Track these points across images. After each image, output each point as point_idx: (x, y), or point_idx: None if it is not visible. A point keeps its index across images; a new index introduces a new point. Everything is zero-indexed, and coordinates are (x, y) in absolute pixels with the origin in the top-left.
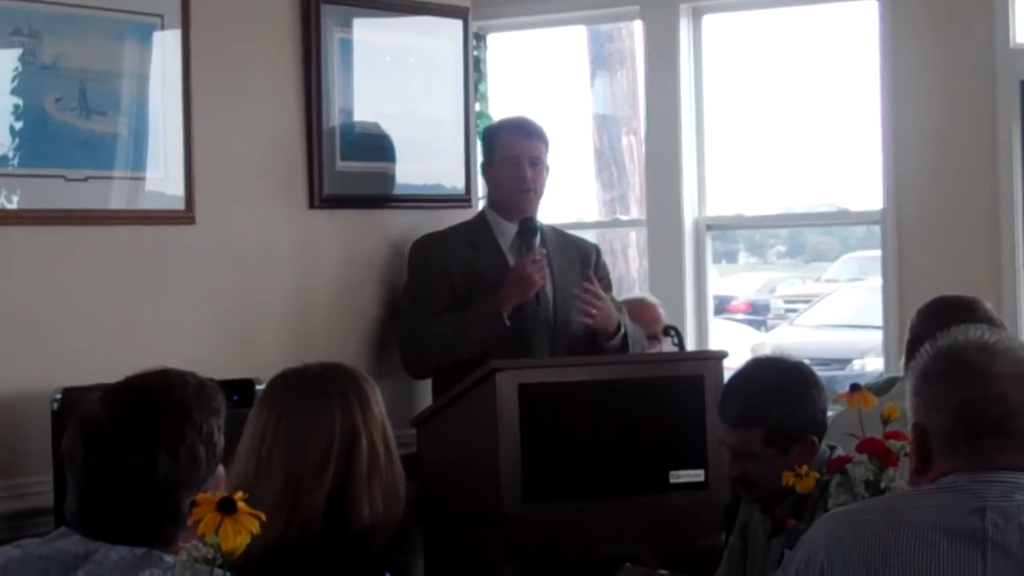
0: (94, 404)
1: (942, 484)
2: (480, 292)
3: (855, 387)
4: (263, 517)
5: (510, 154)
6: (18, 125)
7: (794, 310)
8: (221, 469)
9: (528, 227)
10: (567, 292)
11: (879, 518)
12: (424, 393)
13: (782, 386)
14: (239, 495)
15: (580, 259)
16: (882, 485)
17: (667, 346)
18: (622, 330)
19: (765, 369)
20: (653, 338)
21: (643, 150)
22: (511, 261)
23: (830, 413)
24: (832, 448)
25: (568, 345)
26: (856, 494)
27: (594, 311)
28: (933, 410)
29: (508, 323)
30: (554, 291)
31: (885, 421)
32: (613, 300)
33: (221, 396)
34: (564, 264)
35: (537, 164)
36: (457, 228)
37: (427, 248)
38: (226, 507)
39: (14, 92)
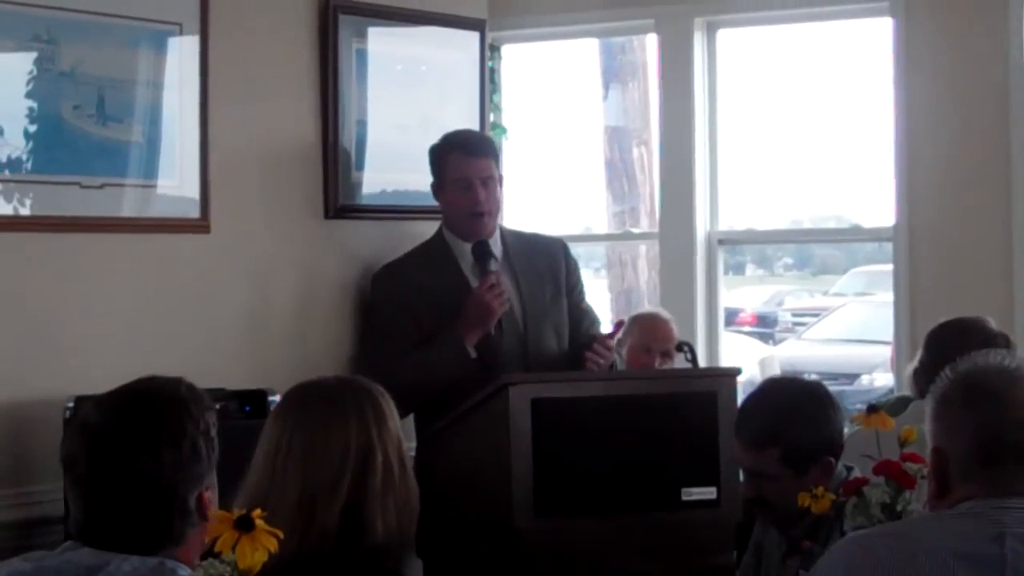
0: (89, 412)
1: (961, 510)
2: (445, 320)
3: (872, 408)
4: (280, 535)
5: (459, 176)
6: (35, 131)
7: (802, 323)
8: (214, 476)
9: (481, 252)
10: (537, 307)
11: (897, 543)
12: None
13: (798, 406)
14: (257, 512)
15: (549, 264)
16: (899, 508)
17: (680, 362)
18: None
19: (781, 389)
20: (666, 354)
21: (654, 162)
22: (473, 283)
23: (846, 431)
24: (849, 469)
25: (543, 363)
26: (872, 516)
27: (602, 361)
28: (952, 435)
29: (474, 355)
30: (523, 307)
31: (902, 443)
32: (588, 307)
33: (209, 397)
34: (532, 276)
35: (488, 183)
36: (415, 254)
37: (389, 282)
38: (244, 525)
39: (32, 98)
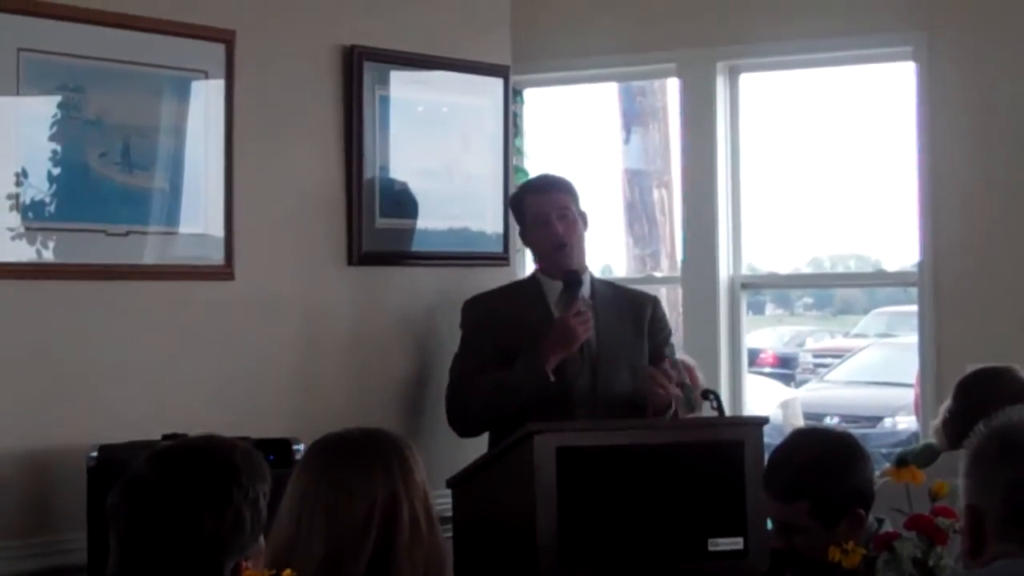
0: (140, 464)
1: (995, 568)
2: (524, 349)
3: (902, 461)
4: None
5: (537, 213)
6: (61, 179)
7: (823, 365)
8: (262, 540)
9: (571, 280)
10: (613, 349)
11: None
12: (460, 454)
13: (827, 458)
14: (287, 573)
15: (633, 313)
16: (930, 563)
17: (706, 410)
18: (672, 409)
19: (810, 441)
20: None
21: (674, 204)
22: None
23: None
24: (880, 521)
25: (609, 404)
26: (904, 572)
27: (661, 391)
28: (986, 492)
29: (553, 377)
30: (598, 346)
31: (934, 497)
32: (672, 355)
33: (267, 465)
34: (613, 319)
35: (566, 216)
36: (507, 287)
37: (473, 308)
38: None
39: (58, 146)
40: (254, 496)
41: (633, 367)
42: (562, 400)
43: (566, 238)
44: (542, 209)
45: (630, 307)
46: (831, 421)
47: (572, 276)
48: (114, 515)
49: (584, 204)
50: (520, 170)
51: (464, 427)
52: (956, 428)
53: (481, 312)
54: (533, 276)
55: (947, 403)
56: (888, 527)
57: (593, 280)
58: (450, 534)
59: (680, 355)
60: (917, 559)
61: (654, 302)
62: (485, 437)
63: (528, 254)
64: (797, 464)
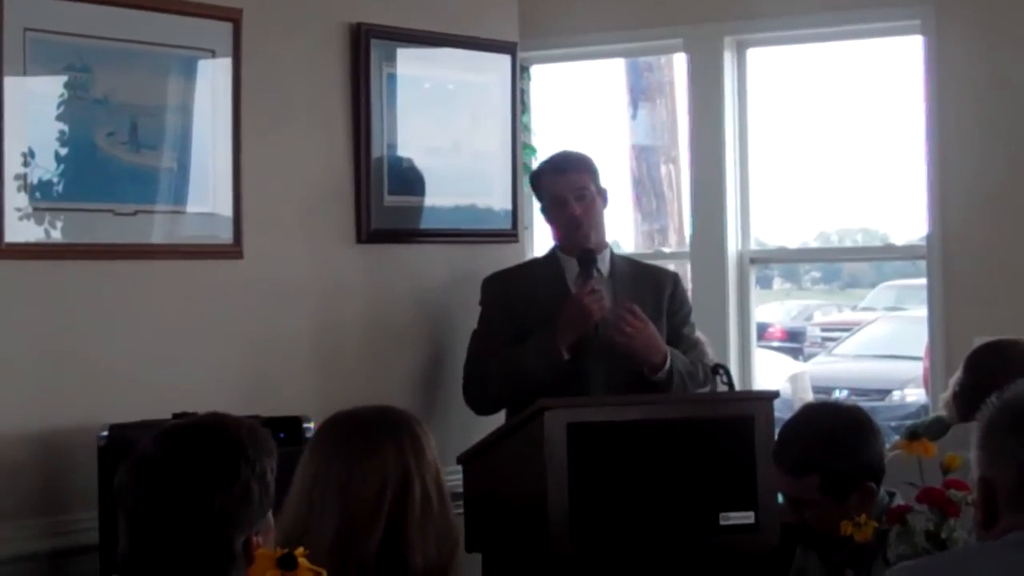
0: (147, 443)
1: (1009, 541)
2: (542, 326)
3: (913, 434)
4: (324, 573)
5: (555, 194)
6: (66, 156)
7: (832, 339)
8: (271, 516)
9: (585, 258)
10: None
11: (946, 574)
12: (474, 431)
13: (837, 432)
14: (300, 551)
15: (653, 289)
16: (943, 536)
17: (717, 386)
18: (667, 365)
19: (820, 415)
20: None
21: (682, 180)
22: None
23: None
24: (891, 495)
25: (623, 379)
26: (916, 545)
27: (628, 329)
28: (999, 464)
29: (567, 356)
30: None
31: (945, 471)
32: (690, 334)
33: (273, 441)
34: (632, 295)
35: (584, 196)
36: (525, 265)
37: (492, 285)
38: (287, 563)
39: (64, 124)
40: (261, 471)
41: None
42: (577, 378)
43: (583, 219)
44: (559, 191)
45: (650, 284)
46: (840, 394)
47: (587, 255)
48: (122, 494)
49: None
50: (528, 147)
51: (481, 406)
52: (967, 400)
53: (499, 289)
54: (552, 252)
55: (957, 375)
56: (899, 500)
57: (613, 256)
58: (461, 510)
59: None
60: (929, 532)
61: (674, 279)
62: (502, 415)
63: (538, 231)
64: (807, 438)
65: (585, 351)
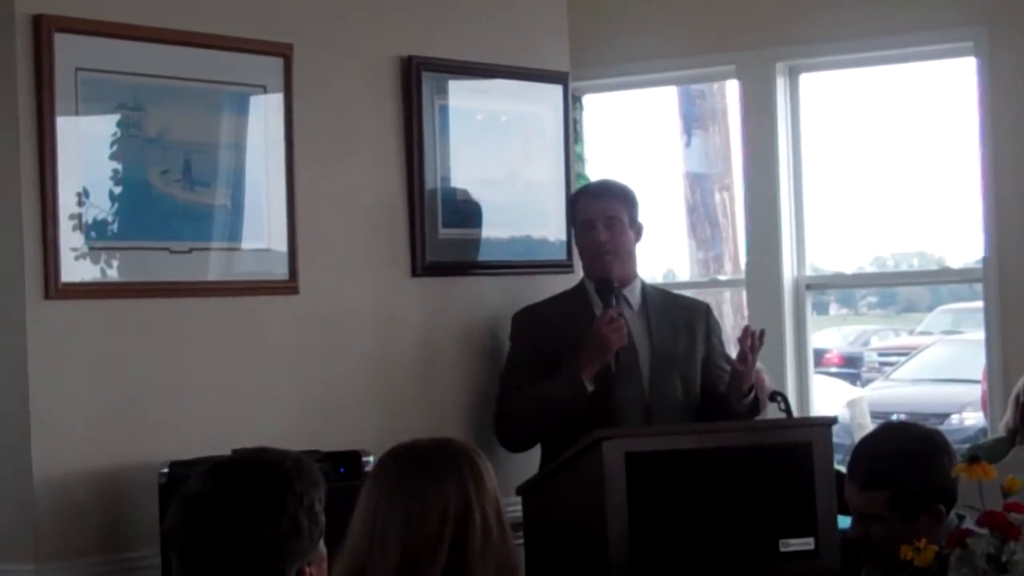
0: (194, 481)
1: None
2: (570, 357)
3: (973, 458)
4: None
5: (585, 218)
6: (123, 198)
7: (889, 363)
8: (323, 546)
9: (603, 288)
10: (665, 357)
11: None
12: (530, 463)
13: (911, 451)
14: None
15: (687, 320)
16: (1003, 559)
17: (774, 412)
18: (752, 393)
19: (898, 433)
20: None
21: (736, 206)
22: None
23: None
24: (961, 517)
25: (665, 410)
26: (978, 568)
27: (749, 358)
28: None
29: (590, 388)
30: (652, 354)
31: (1006, 493)
32: (727, 360)
33: (319, 473)
34: (665, 326)
35: (614, 225)
36: (555, 298)
37: (521, 320)
38: None
39: (119, 165)
40: (309, 502)
41: (686, 375)
42: (606, 409)
43: (609, 246)
44: (589, 215)
45: (683, 315)
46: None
47: (604, 284)
48: (172, 532)
49: (643, 213)
50: (581, 176)
51: (511, 442)
52: None
53: (526, 323)
54: (580, 284)
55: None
56: (969, 523)
57: (644, 287)
58: (521, 541)
59: None
60: (990, 555)
61: (706, 310)
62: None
63: None
64: (882, 454)
65: (612, 381)
